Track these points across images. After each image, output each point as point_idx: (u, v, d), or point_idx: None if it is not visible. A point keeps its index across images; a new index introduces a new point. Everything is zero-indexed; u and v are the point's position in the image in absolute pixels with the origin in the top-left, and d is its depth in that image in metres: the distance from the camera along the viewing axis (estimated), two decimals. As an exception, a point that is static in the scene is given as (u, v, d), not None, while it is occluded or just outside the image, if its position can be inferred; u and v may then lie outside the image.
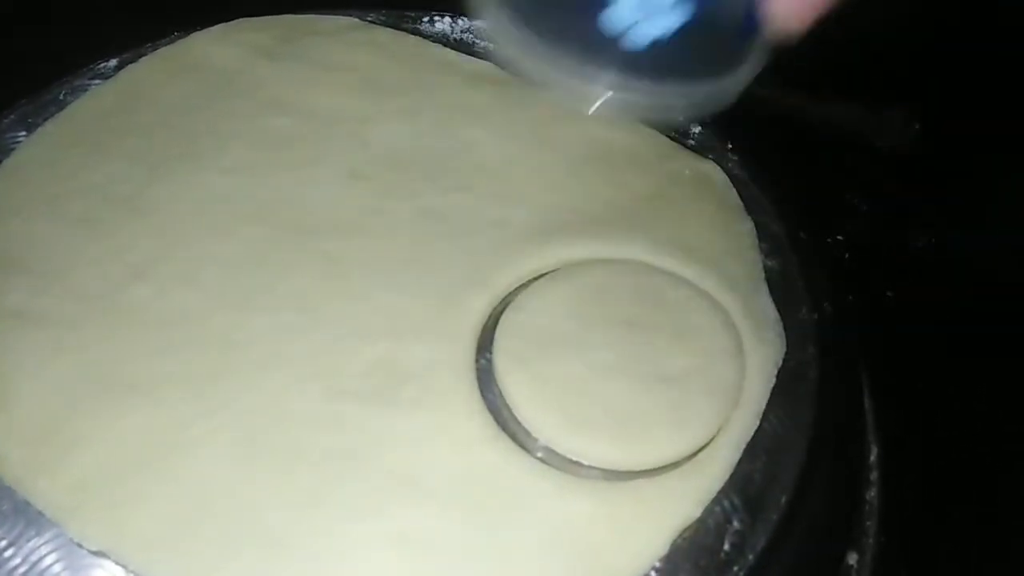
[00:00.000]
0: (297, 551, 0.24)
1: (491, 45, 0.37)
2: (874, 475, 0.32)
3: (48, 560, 0.24)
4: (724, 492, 0.25)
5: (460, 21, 0.39)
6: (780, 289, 0.30)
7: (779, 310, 0.29)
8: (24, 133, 0.34)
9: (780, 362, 0.28)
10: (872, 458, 0.32)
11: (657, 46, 0.22)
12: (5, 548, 0.24)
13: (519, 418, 0.26)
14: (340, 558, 0.24)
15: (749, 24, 0.22)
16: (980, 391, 0.38)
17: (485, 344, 0.28)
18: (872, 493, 0.31)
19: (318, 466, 0.25)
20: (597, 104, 0.23)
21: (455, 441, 0.26)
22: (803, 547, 0.26)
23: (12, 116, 0.35)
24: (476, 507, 0.24)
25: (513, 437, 0.26)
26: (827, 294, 0.32)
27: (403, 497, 0.24)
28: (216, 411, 0.26)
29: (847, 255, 0.41)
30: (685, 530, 0.24)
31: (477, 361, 0.28)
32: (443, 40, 0.39)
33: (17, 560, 0.24)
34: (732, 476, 0.25)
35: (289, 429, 0.26)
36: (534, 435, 0.26)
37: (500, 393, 0.27)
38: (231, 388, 0.27)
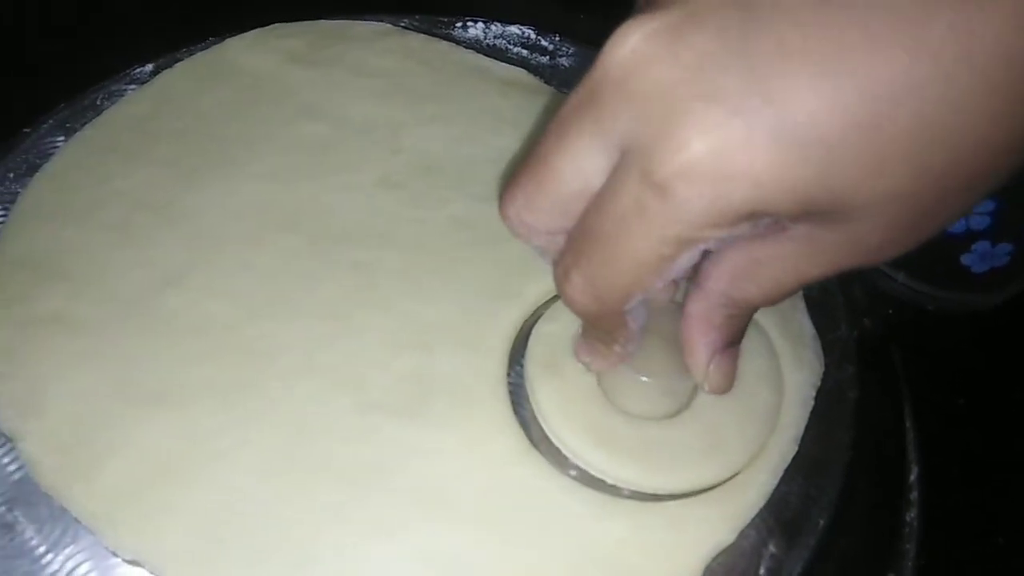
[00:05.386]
0: (323, 566, 0.23)
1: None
2: (914, 495, 0.31)
3: (84, 568, 0.24)
4: (760, 515, 0.24)
5: (493, 27, 0.39)
6: (818, 305, 0.29)
7: (817, 327, 0.29)
8: (63, 138, 0.34)
9: (818, 383, 0.27)
10: (912, 478, 0.31)
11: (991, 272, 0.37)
12: (44, 554, 0.24)
13: (551, 435, 0.26)
14: (366, 573, 0.23)
15: None
16: (1025, 410, 0.37)
17: (516, 357, 0.28)
18: (912, 514, 0.30)
19: (345, 479, 0.25)
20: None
21: (485, 456, 0.25)
22: (840, 571, 0.25)
23: (51, 121, 0.35)
24: (505, 525, 0.24)
25: (545, 454, 0.26)
26: (866, 310, 0.31)
27: (431, 513, 0.24)
28: (245, 421, 0.26)
29: (886, 269, 0.40)
30: (719, 555, 0.24)
31: (508, 374, 0.27)
32: (476, 46, 0.38)
33: (55, 566, 0.24)
34: (768, 499, 0.25)
35: (317, 441, 0.26)
36: (566, 453, 0.26)
37: (532, 408, 0.26)
38: (260, 398, 0.27)
